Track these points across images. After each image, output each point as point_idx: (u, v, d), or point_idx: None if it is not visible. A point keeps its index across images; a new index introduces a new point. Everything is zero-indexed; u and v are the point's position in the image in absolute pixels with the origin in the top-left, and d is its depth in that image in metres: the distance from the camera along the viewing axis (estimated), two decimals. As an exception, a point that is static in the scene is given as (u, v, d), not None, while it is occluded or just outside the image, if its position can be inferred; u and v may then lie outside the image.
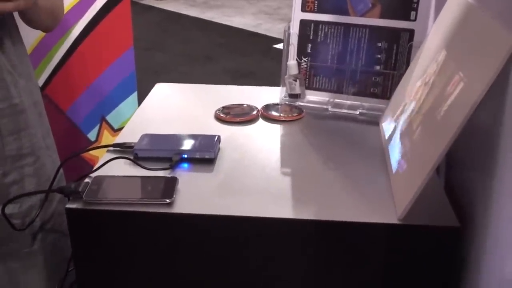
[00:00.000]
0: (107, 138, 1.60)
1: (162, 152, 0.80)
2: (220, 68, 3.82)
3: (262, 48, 4.15)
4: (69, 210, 0.69)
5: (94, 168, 0.77)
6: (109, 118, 1.55)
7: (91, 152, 1.37)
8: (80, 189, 0.70)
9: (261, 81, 3.29)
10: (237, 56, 4.07)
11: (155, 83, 1.11)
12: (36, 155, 0.88)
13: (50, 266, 0.92)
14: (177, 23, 5.10)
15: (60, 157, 1.01)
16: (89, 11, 1.47)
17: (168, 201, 0.68)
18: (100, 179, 0.73)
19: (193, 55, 4.09)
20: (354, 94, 0.97)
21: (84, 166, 1.37)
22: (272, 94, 1.03)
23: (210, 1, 5.86)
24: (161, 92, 1.08)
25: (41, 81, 1.42)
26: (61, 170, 0.96)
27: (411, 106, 0.78)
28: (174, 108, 1.00)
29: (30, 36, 1.30)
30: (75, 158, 0.84)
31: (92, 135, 1.60)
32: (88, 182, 0.72)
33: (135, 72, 1.61)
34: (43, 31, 0.99)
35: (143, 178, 0.74)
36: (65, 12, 1.40)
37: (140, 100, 1.08)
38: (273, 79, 0.99)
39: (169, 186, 0.71)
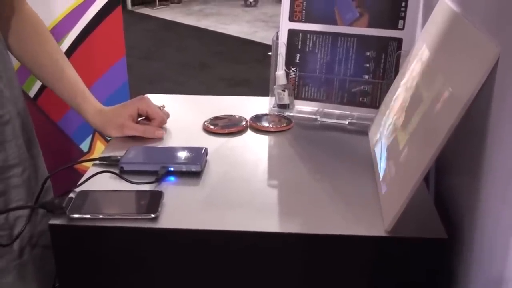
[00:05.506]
0: (100, 149, 1.59)
1: (148, 165, 0.79)
2: (216, 76, 3.82)
3: (258, 56, 4.15)
4: (52, 226, 0.68)
5: (79, 182, 0.76)
6: (101, 129, 1.54)
7: (84, 163, 1.36)
8: (63, 205, 0.69)
9: (256, 89, 3.28)
10: (232, 64, 4.08)
11: (150, 92, 1.10)
12: (23, 165, 0.87)
13: (41, 276, 0.91)
14: (173, 32, 5.11)
15: (52, 168, 0.99)
16: (80, 21, 1.47)
17: (153, 215, 0.67)
18: (84, 194, 0.72)
19: (189, 63, 4.10)
20: (343, 103, 0.97)
21: (77, 177, 1.36)
22: (263, 104, 1.02)
23: (206, 9, 5.87)
24: (150, 103, 1.07)
25: (32, 92, 1.41)
26: (49, 183, 0.95)
27: (399, 115, 0.77)
28: (162, 119, 0.99)
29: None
30: (67, 170, 0.83)
31: (84, 146, 1.59)
32: (72, 197, 0.71)
33: (129, 82, 1.60)
34: None
35: (128, 192, 0.73)
36: (56, 22, 1.41)
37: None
38: (268, 87, 0.99)
39: (154, 201, 0.70)
